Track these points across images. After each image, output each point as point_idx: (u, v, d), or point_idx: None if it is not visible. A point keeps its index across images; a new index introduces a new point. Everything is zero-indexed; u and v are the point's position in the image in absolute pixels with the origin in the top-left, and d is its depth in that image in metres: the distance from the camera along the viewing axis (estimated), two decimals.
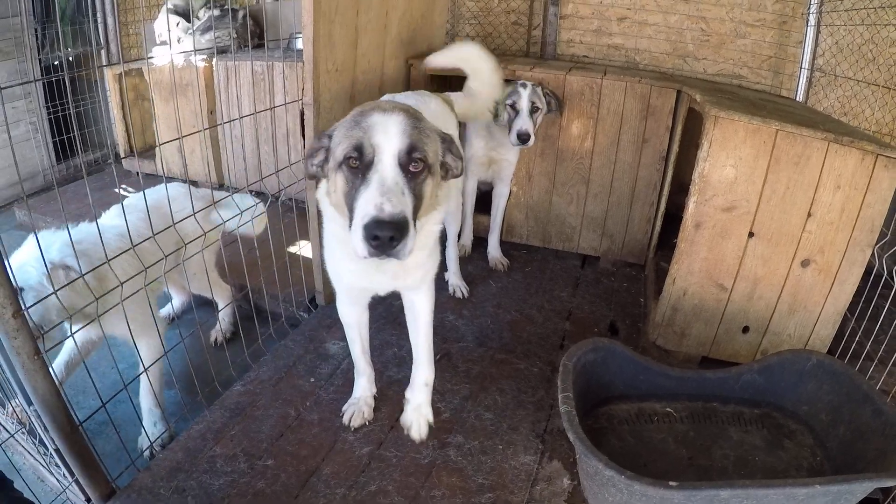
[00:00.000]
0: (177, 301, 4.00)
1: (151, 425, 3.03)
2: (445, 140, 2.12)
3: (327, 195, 2.23)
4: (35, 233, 2.41)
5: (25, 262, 2.59)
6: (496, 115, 3.90)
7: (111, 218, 3.16)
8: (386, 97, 3.18)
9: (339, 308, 2.83)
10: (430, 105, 3.14)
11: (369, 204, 1.82)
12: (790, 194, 2.94)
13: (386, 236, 1.80)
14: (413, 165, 1.92)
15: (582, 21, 5.13)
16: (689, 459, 2.67)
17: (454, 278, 4.10)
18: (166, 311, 3.99)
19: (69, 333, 2.45)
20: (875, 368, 2.89)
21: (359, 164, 1.93)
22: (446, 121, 3.24)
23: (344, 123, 2.04)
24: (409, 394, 2.88)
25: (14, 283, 2.07)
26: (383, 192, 1.83)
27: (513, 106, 3.84)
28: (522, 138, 3.79)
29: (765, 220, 3.01)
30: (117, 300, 2.47)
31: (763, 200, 2.98)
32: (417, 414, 2.84)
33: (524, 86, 3.83)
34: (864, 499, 2.39)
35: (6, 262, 2.05)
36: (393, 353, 3.36)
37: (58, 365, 3.03)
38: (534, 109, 3.85)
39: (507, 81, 3.89)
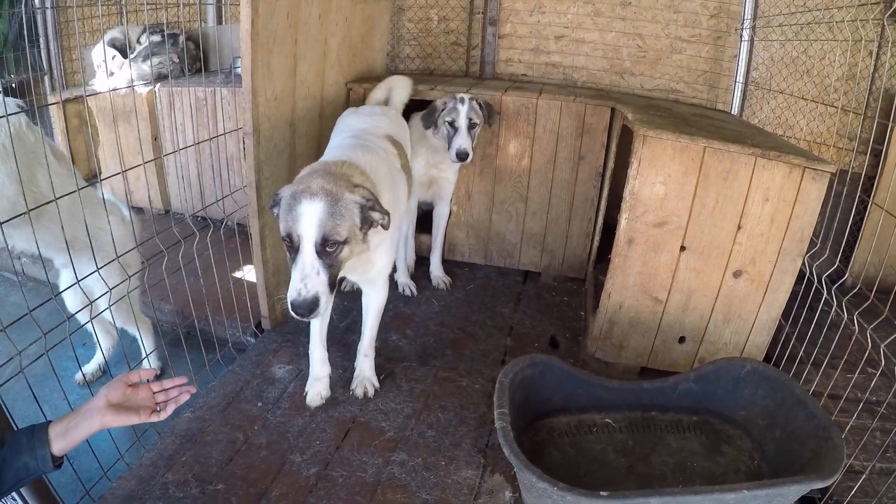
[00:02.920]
0: (105, 344, 3.69)
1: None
2: (365, 206, 2.43)
3: None
4: None
5: None
6: (435, 128, 3.98)
7: None
8: (364, 107, 3.70)
9: None
10: (390, 112, 3.77)
11: (292, 287, 2.30)
12: (720, 208, 3.04)
13: (304, 313, 2.29)
14: (328, 248, 2.32)
15: (520, 40, 5.20)
16: (629, 468, 2.73)
17: (402, 277, 4.28)
18: (93, 365, 3.75)
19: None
20: (810, 372, 3.02)
21: (290, 245, 2.35)
22: (404, 127, 3.87)
23: (285, 198, 2.38)
24: (356, 363, 3.34)
25: None
26: (302, 276, 2.29)
27: (451, 123, 3.88)
28: (461, 156, 3.86)
29: (696, 233, 3.10)
30: None
31: (693, 215, 3.07)
32: (361, 378, 3.28)
33: (462, 101, 3.86)
34: (802, 498, 2.47)
35: None
36: (338, 375, 3.39)
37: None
38: (472, 125, 3.89)
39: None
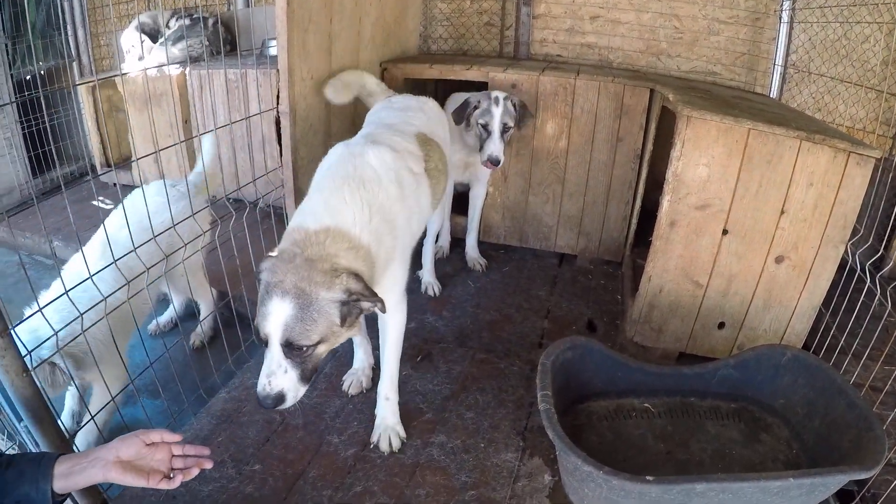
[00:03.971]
0: (177, 302, 4.00)
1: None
2: (349, 302, 2.22)
3: None
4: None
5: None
6: (467, 125, 3.91)
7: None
8: (397, 98, 3.44)
9: None
10: (428, 104, 3.46)
11: (259, 379, 2.20)
12: (763, 192, 2.98)
13: (270, 407, 2.23)
14: (296, 350, 2.18)
15: (555, 20, 5.15)
16: (668, 454, 2.70)
17: (427, 276, 4.15)
18: (168, 315, 4.01)
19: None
20: (850, 363, 2.93)
21: (259, 338, 2.23)
22: (442, 120, 3.56)
23: (262, 285, 2.24)
24: (377, 409, 2.97)
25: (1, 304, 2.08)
26: (268, 373, 2.19)
27: (485, 126, 3.82)
28: (493, 162, 3.81)
29: (738, 217, 3.05)
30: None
31: (736, 198, 3.01)
32: (384, 428, 2.91)
33: (496, 102, 3.78)
34: (840, 490, 2.44)
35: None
36: (376, 357, 3.35)
37: (65, 418, 3.09)
38: (505, 129, 3.83)
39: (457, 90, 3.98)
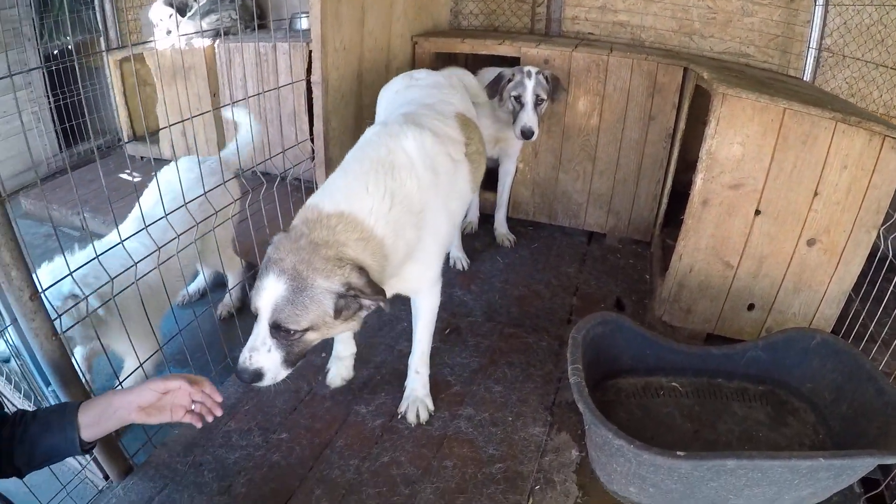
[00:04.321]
0: (207, 272, 4.01)
1: None
2: (346, 296, 2.14)
3: None
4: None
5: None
6: (500, 99, 3.89)
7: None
8: (419, 73, 3.33)
9: None
10: (465, 79, 3.48)
11: (242, 352, 2.17)
12: (797, 173, 2.95)
13: (246, 381, 2.19)
14: (283, 333, 2.13)
15: None
16: (695, 433, 2.70)
17: (455, 250, 4.13)
18: (197, 285, 4.05)
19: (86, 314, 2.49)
20: (878, 350, 2.91)
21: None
22: (473, 92, 3.51)
23: (266, 256, 2.22)
24: (407, 381, 2.97)
25: (31, 268, 2.11)
26: (251, 347, 2.15)
27: (518, 98, 3.80)
28: (526, 134, 3.79)
29: (771, 198, 3.02)
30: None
31: (770, 178, 2.99)
32: (413, 399, 2.90)
33: (529, 76, 3.77)
34: (865, 479, 2.44)
35: (24, 248, 2.09)
36: (403, 328, 3.40)
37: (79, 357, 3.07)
38: (538, 101, 3.81)
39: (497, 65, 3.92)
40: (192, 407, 1.95)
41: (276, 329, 2.12)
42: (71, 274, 2.35)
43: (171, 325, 3.04)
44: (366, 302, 2.19)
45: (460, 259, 4.14)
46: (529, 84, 3.76)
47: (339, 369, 3.05)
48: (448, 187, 2.65)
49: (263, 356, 2.15)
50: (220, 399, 2.02)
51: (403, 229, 2.36)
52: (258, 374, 2.16)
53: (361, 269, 2.16)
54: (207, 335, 3.15)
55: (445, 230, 2.69)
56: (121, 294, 2.52)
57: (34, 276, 2.12)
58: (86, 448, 1.86)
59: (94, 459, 2.49)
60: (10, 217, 2.02)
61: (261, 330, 2.15)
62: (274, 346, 2.15)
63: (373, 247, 2.25)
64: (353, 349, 3.09)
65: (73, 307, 2.42)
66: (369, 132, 2.64)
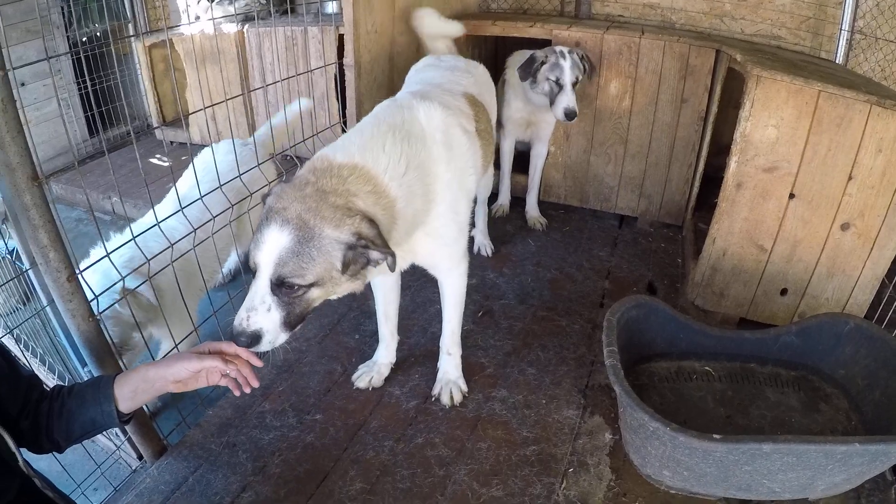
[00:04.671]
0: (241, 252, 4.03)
1: None
2: (356, 246, 2.00)
3: None
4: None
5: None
6: (533, 82, 3.87)
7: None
8: (429, 59, 3.29)
9: None
10: (479, 69, 3.31)
11: (239, 313, 1.98)
12: (831, 156, 2.92)
13: (245, 344, 1.98)
14: (286, 289, 1.97)
15: None
16: (728, 418, 2.70)
17: (480, 236, 4.10)
18: (230, 266, 4.09)
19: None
20: None
21: (249, 268, 2.04)
22: (490, 86, 3.42)
23: (265, 207, 2.06)
24: (439, 363, 2.95)
25: (69, 250, 2.14)
26: (249, 307, 1.97)
27: (556, 81, 3.78)
28: (570, 116, 3.76)
29: (806, 181, 2.99)
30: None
31: (804, 162, 2.96)
32: (445, 381, 2.90)
33: (564, 56, 3.74)
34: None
35: (62, 230, 2.11)
36: (436, 310, 3.36)
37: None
38: (575, 82, 3.79)
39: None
40: (228, 370, 1.94)
41: (279, 285, 1.96)
42: (108, 255, 2.39)
43: (205, 306, 3.07)
44: (374, 255, 2.04)
45: (485, 245, 4.12)
46: (566, 65, 3.74)
47: (372, 375, 2.98)
48: (462, 161, 2.57)
49: (262, 316, 1.98)
50: (259, 364, 2.01)
51: (414, 197, 2.27)
52: (256, 337, 1.98)
53: (372, 221, 2.03)
54: None
55: (463, 207, 2.59)
56: (162, 276, 2.56)
57: (70, 256, 2.14)
58: (123, 419, 1.89)
59: (129, 439, 2.53)
60: (47, 199, 2.03)
61: (260, 287, 1.98)
62: (274, 305, 1.98)
63: (384, 204, 2.14)
64: (394, 358, 3.04)
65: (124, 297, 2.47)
66: (379, 106, 2.57)
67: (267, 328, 1.97)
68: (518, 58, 4.10)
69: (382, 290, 2.88)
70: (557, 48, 3.80)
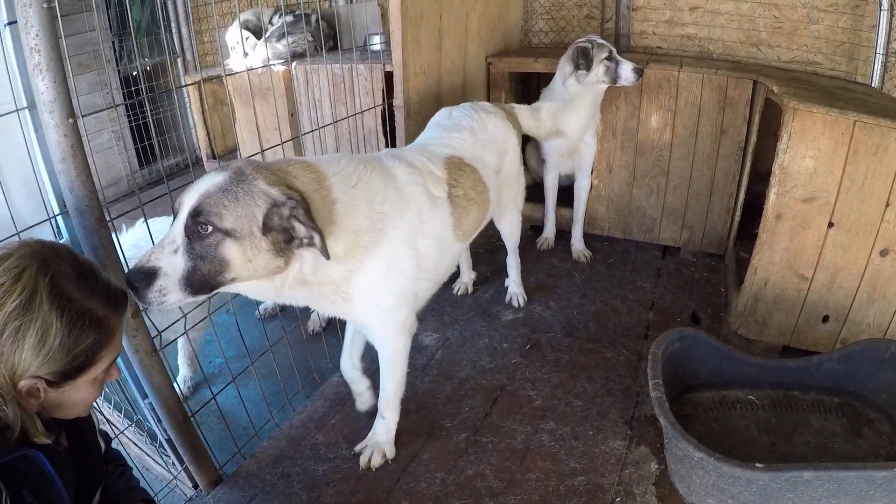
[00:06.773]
0: None
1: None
2: (279, 205, 1.95)
3: None
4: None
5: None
6: (587, 70, 3.97)
7: None
8: (441, 113, 3.27)
9: None
10: (487, 126, 3.15)
11: (143, 254, 1.91)
12: (868, 184, 2.95)
13: (135, 286, 1.86)
14: (201, 228, 1.88)
15: (654, 12, 5.12)
16: (771, 446, 2.74)
17: (514, 286, 4.04)
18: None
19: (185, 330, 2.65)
20: None
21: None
22: (506, 139, 3.29)
23: None
24: (374, 423, 2.88)
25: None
26: (158, 246, 1.91)
27: (608, 57, 3.93)
28: (638, 71, 3.92)
29: (844, 209, 3.02)
30: None
31: (842, 191, 2.99)
32: (374, 442, 2.81)
33: (599, 40, 3.98)
34: None
35: (126, 265, 2.20)
36: (485, 344, 3.50)
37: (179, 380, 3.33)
38: None
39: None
40: None
41: (194, 219, 1.88)
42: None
43: (260, 339, 3.18)
44: (300, 229, 1.97)
45: (517, 295, 3.99)
46: (606, 43, 3.96)
47: (362, 402, 3.05)
48: (417, 220, 2.49)
49: (167, 256, 1.87)
50: None
51: (357, 210, 2.23)
52: (150, 274, 1.85)
53: (305, 201, 1.99)
54: (294, 350, 3.26)
55: (408, 268, 2.47)
56: None
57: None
58: None
59: (185, 469, 2.60)
60: (113, 239, 2.12)
61: (175, 226, 1.91)
62: (182, 249, 1.88)
63: (323, 196, 2.12)
64: (368, 382, 3.03)
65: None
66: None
67: (165, 270, 1.87)
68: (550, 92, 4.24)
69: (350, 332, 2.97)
70: (588, 37, 4.02)
